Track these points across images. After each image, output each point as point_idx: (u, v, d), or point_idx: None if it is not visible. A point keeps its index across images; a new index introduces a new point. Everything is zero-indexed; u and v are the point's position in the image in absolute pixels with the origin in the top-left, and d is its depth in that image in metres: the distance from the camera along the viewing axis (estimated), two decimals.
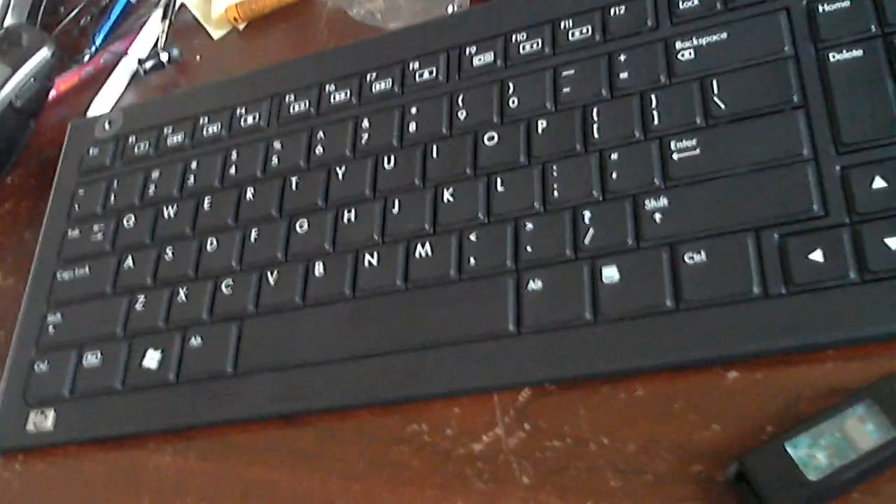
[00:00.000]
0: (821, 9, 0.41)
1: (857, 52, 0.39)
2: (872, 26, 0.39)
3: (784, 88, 0.40)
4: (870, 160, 0.37)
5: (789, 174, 0.38)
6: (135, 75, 0.63)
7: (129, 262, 0.50)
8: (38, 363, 0.49)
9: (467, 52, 0.48)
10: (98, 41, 0.65)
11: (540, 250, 0.41)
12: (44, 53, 0.58)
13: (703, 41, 0.42)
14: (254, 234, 0.47)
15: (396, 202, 0.45)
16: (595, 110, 0.43)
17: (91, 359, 0.48)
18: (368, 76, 0.50)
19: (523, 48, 0.47)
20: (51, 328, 0.50)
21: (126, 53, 0.63)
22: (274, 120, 0.52)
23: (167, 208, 0.51)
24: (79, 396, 0.47)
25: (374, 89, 0.50)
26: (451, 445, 0.39)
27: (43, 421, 0.47)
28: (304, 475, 0.41)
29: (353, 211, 0.46)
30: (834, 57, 0.39)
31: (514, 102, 0.45)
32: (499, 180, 0.43)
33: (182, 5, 0.65)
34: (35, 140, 0.62)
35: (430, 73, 0.48)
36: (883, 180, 0.36)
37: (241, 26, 0.62)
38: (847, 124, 0.38)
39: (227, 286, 0.46)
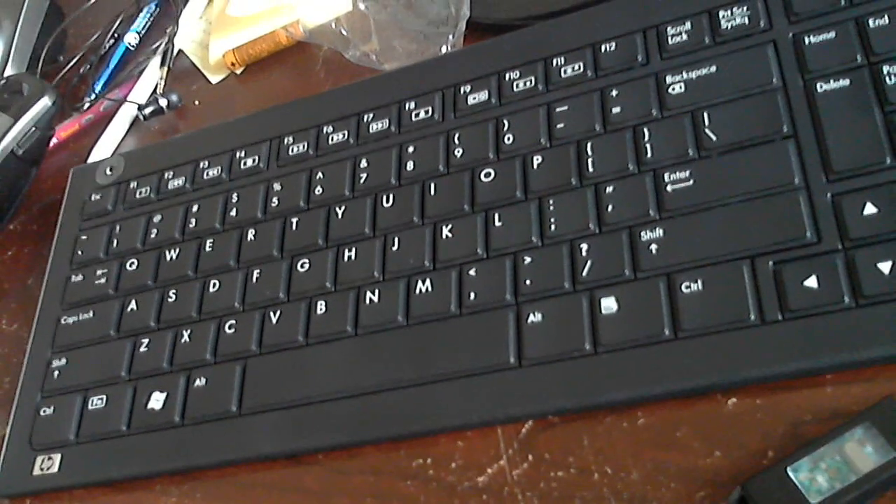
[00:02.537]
0: (807, 40, 0.42)
1: (845, 82, 0.40)
2: (858, 56, 0.40)
3: (774, 119, 0.40)
4: (860, 187, 0.37)
5: (782, 203, 0.38)
6: (135, 121, 0.64)
7: (133, 305, 0.50)
8: (44, 408, 0.49)
9: (462, 90, 0.49)
10: (98, 88, 0.66)
11: (539, 283, 0.41)
12: (45, 102, 0.59)
13: (693, 74, 0.43)
14: (255, 274, 0.48)
15: (396, 239, 0.45)
16: (589, 145, 0.44)
17: (96, 402, 0.48)
18: (365, 117, 0.51)
19: (517, 86, 0.48)
20: (56, 373, 0.50)
21: (126, 100, 0.64)
22: (273, 162, 0.52)
23: (169, 251, 0.51)
24: (84, 440, 0.47)
25: (371, 129, 0.50)
26: (456, 479, 0.40)
27: (49, 465, 0.47)
28: None
29: (353, 249, 0.46)
30: (822, 87, 0.40)
31: (509, 139, 0.46)
32: (496, 216, 0.44)
33: (180, 51, 0.66)
34: (37, 187, 0.63)
35: (426, 112, 0.49)
36: (874, 206, 0.37)
37: (239, 70, 0.63)
38: (837, 152, 0.38)
39: (230, 327, 0.47)
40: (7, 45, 0.66)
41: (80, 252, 0.55)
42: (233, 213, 0.51)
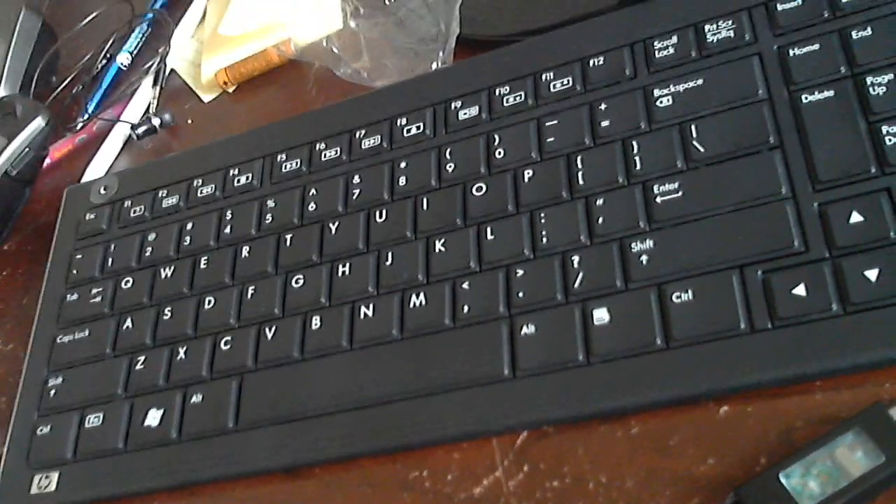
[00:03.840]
0: (791, 52, 0.42)
1: (829, 93, 0.41)
2: (842, 67, 0.41)
3: (760, 130, 0.41)
4: (846, 196, 0.38)
5: (769, 212, 0.39)
6: (128, 141, 0.64)
7: (129, 323, 0.51)
8: (41, 426, 0.49)
9: (453, 106, 0.50)
10: (91, 109, 0.66)
11: (531, 295, 0.42)
12: (38, 123, 0.59)
13: (681, 87, 0.44)
14: (251, 290, 0.48)
15: (389, 254, 0.46)
16: (579, 158, 0.44)
17: (93, 420, 0.48)
18: (357, 133, 0.51)
19: (507, 101, 0.48)
20: (52, 391, 0.50)
21: (119, 119, 0.64)
22: (267, 179, 0.53)
23: (164, 269, 0.52)
24: (82, 458, 0.47)
25: (363, 145, 0.51)
26: (452, 490, 0.40)
27: (47, 483, 0.47)
28: None
29: (347, 264, 0.47)
30: (806, 98, 0.41)
31: (500, 153, 0.46)
32: (488, 229, 0.44)
33: (172, 71, 0.66)
34: (31, 207, 0.63)
35: (418, 128, 0.50)
36: (860, 215, 0.37)
37: (231, 89, 0.63)
38: (822, 162, 0.39)
39: (225, 343, 0.47)
40: (0, 66, 0.66)
41: (75, 271, 0.55)
42: (227, 230, 0.51)
